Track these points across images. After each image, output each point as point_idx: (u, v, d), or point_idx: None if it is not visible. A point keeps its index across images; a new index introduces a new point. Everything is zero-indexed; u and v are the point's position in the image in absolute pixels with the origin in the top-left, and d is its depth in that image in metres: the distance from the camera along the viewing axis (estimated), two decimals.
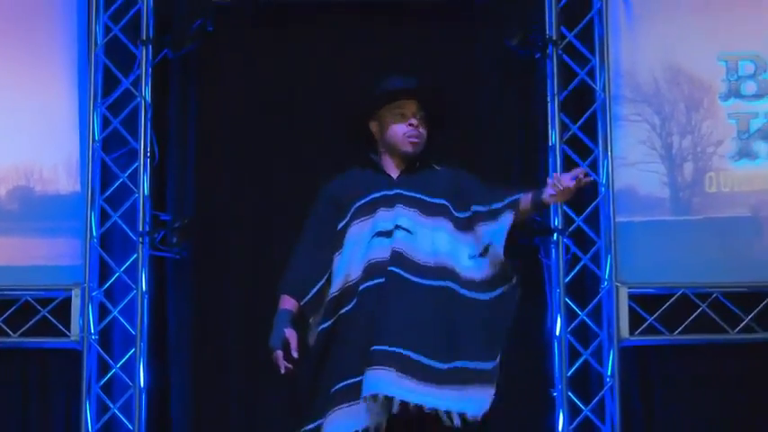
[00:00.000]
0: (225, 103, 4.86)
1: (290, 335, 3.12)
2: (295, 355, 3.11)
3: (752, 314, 4.53)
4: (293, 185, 4.67)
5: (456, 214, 3.27)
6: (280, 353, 3.07)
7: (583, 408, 4.52)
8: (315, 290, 3.20)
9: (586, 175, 3.14)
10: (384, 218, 3.17)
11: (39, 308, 4.45)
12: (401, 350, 3.01)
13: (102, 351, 4.53)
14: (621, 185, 4.64)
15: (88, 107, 4.62)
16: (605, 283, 4.55)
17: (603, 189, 4.60)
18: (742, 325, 4.54)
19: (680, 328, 4.57)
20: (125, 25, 4.67)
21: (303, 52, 4.83)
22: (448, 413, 2.96)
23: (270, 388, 4.55)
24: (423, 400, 2.96)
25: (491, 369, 3.01)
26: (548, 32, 4.67)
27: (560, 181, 3.10)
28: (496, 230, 3.17)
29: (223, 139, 4.83)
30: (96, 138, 4.61)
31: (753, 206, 4.69)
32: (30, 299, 4.47)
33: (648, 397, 4.75)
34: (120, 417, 4.43)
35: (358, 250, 3.17)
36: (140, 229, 4.51)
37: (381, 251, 3.12)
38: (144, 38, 4.61)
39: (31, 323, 4.47)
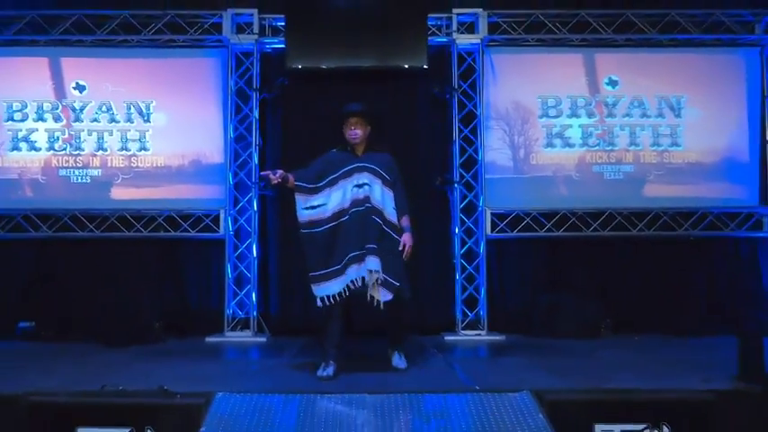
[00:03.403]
0: (295, 120, 7.04)
1: (282, 174, 4.52)
2: (274, 176, 4.48)
3: (551, 222, 7.00)
4: None
5: (386, 176, 4.65)
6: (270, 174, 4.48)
7: (468, 267, 6.99)
8: (309, 186, 4.57)
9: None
10: (358, 177, 4.56)
11: (204, 218, 6.94)
12: (365, 247, 4.42)
13: (235, 240, 6.99)
14: (489, 160, 6.94)
15: (227, 122, 6.92)
16: (480, 208, 6.91)
17: (480, 161, 6.87)
18: (546, 228, 7.00)
19: (516, 230, 7.00)
20: (245, 80, 7.05)
21: (330, 95, 6.86)
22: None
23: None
24: (376, 266, 4.48)
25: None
26: (453, 84, 6.97)
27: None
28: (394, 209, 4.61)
29: (294, 138, 6.97)
30: (231, 136, 6.92)
31: (553, 171, 7.07)
32: (200, 214, 6.93)
33: (500, 264, 7.27)
34: (245, 271, 6.96)
35: (348, 192, 4.56)
36: (253, 181, 6.91)
37: (359, 194, 4.53)
38: (254, 87, 6.98)
39: (200, 226, 6.94)
